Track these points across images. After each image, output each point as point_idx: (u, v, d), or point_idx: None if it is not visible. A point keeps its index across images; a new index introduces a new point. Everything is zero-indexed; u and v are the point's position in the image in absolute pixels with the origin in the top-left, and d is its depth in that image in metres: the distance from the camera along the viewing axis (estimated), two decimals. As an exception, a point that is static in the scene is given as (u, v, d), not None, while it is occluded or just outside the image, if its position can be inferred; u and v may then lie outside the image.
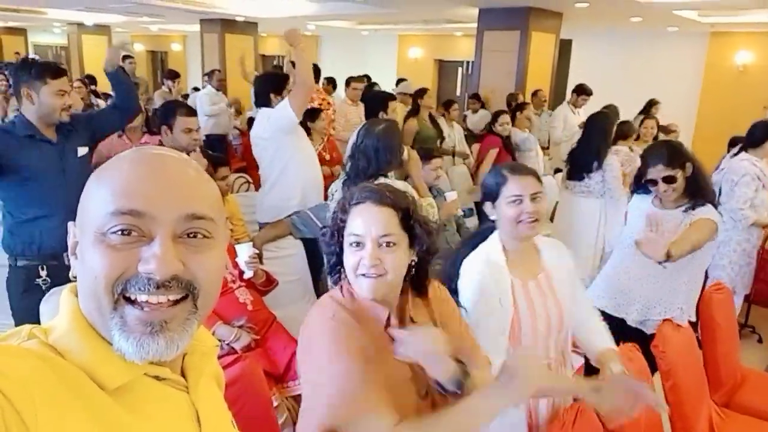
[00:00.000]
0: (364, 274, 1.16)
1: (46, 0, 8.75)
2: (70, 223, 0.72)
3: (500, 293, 1.57)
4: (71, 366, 0.63)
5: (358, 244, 1.17)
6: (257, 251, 2.40)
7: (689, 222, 2.19)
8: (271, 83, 3.44)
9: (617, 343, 1.92)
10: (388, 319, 1.20)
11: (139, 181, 0.66)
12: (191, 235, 0.68)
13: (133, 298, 0.65)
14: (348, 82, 5.98)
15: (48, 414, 0.57)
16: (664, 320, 2.16)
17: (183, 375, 0.75)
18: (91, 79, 7.95)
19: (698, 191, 2.23)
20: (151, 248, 0.64)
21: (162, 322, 0.65)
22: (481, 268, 1.61)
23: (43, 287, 2.31)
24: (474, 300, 1.58)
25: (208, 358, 0.78)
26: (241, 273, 2.39)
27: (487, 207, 1.70)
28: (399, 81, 7.68)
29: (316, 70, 6.13)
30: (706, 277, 3.61)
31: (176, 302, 0.67)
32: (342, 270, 1.25)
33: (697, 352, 2.30)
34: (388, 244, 1.16)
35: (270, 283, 2.55)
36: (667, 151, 2.24)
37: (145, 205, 0.65)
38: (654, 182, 2.26)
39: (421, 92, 5.35)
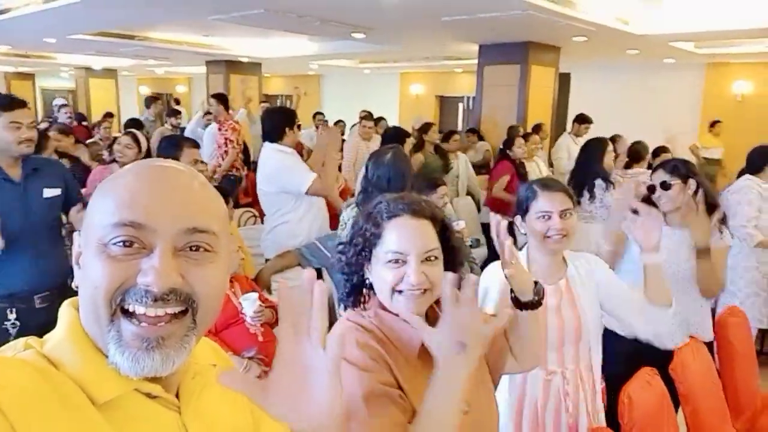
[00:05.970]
0: (401, 291, 1.07)
1: (58, 45, 8.95)
2: (75, 234, 0.72)
3: (505, 293, 1.54)
4: (64, 377, 0.63)
5: (397, 261, 1.08)
6: (262, 305, 2.31)
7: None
8: (284, 117, 3.37)
9: (635, 367, 1.89)
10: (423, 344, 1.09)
11: (141, 193, 0.66)
12: (193, 248, 0.67)
13: (131, 310, 0.64)
14: (360, 120, 6.27)
15: (38, 425, 0.57)
16: (683, 344, 2.12)
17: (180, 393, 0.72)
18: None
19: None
20: (150, 260, 0.64)
21: (159, 338, 0.64)
22: (491, 274, 1.60)
23: (11, 330, 2.23)
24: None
25: (201, 377, 0.75)
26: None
27: (518, 221, 1.74)
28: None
29: (225, 100, 6.18)
30: (717, 302, 3.58)
31: (174, 316, 0.65)
32: (363, 294, 1.16)
33: (716, 377, 2.25)
34: (429, 258, 1.08)
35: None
36: (673, 161, 2.40)
37: (146, 217, 0.64)
38: (653, 189, 2.33)
39: (426, 127, 5.59)
